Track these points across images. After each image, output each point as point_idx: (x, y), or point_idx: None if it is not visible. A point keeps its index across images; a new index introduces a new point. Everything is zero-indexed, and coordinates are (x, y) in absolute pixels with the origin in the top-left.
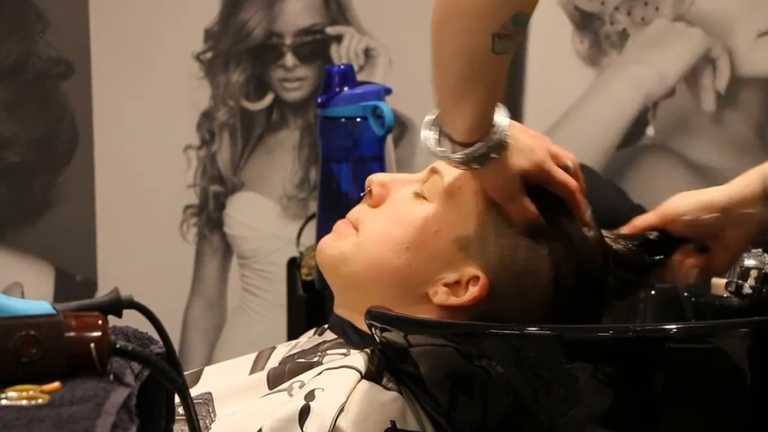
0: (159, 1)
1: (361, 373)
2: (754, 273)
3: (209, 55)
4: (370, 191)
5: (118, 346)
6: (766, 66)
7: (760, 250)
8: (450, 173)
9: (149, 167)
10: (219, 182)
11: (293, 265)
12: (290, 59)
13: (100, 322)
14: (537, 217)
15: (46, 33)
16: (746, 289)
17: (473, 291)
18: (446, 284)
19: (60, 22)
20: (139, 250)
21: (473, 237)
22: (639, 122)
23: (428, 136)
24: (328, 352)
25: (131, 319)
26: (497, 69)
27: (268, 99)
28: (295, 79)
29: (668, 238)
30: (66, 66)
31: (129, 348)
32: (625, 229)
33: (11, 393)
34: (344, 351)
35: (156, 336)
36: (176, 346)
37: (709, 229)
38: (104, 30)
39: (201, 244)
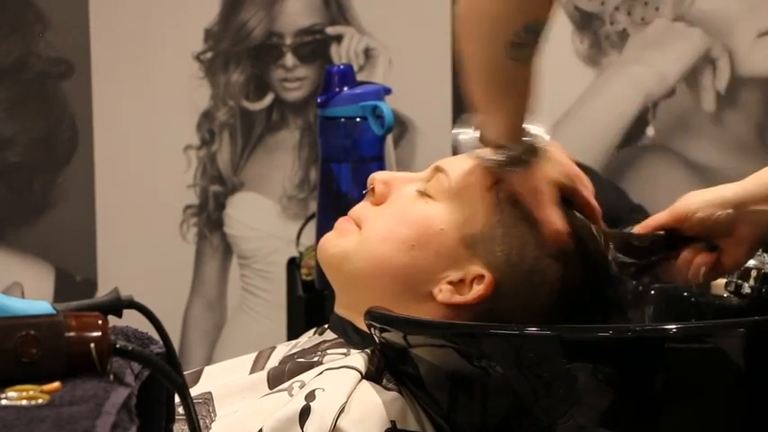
0: (159, 1)
1: (361, 373)
2: (753, 272)
3: (209, 55)
4: (373, 188)
5: (118, 346)
6: (766, 66)
7: (760, 250)
8: (456, 171)
9: (149, 167)
10: (219, 182)
11: (293, 265)
12: (290, 59)
13: (100, 322)
14: (564, 230)
15: (46, 33)
16: (746, 289)
17: (478, 289)
18: (450, 282)
19: (60, 22)
20: (139, 250)
21: (479, 235)
22: (639, 122)
23: (466, 137)
24: (328, 352)
25: (131, 319)
26: (518, 78)
27: (268, 99)
28: (295, 79)
29: (675, 238)
30: (67, 66)
31: (129, 348)
32: (638, 228)
33: (11, 393)
34: (345, 351)
35: (156, 336)
36: (176, 346)
37: (721, 227)
38: (104, 30)
39: (201, 244)
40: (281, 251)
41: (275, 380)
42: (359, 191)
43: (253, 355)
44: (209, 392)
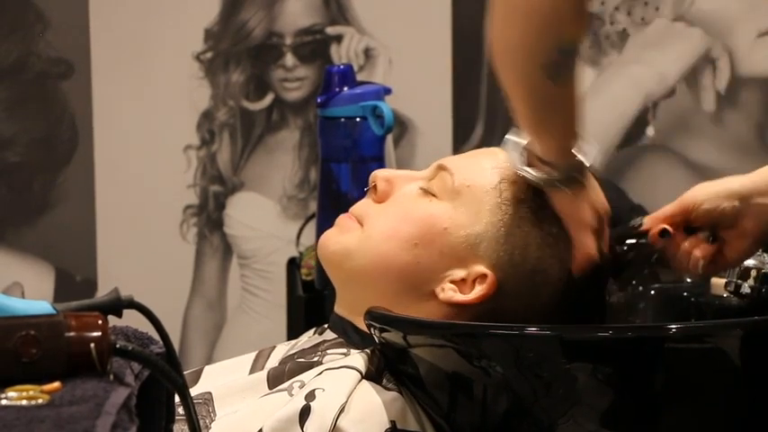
0: (159, 1)
1: (361, 373)
2: (753, 272)
3: (209, 55)
4: (375, 186)
5: (118, 346)
6: (766, 66)
7: (760, 250)
8: (460, 170)
9: (149, 167)
10: (219, 182)
11: (293, 265)
12: (290, 59)
13: (100, 322)
14: (595, 256)
15: (46, 33)
16: (746, 289)
17: (480, 289)
18: (453, 281)
19: (60, 22)
20: (139, 250)
21: (483, 235)
22: (639, 122)
23: (513, 154)
24: (328, 352)
25: (131, 319)
26: (561, 99)
27: (268, 99)
28: (295, 79)
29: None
30: (67, 66)
31: (129, 348)
32: (648, 220)
33: (11, 393)
34: (344, 351)
35: (156, 336)
36: (176, 346)
37: (726, 219)
38: (104, 30)
39: (201, 244)
40: (281, 251)
41: (275, 380)
42: (359, 191)
43: (252, 355)
44: (209, 392)
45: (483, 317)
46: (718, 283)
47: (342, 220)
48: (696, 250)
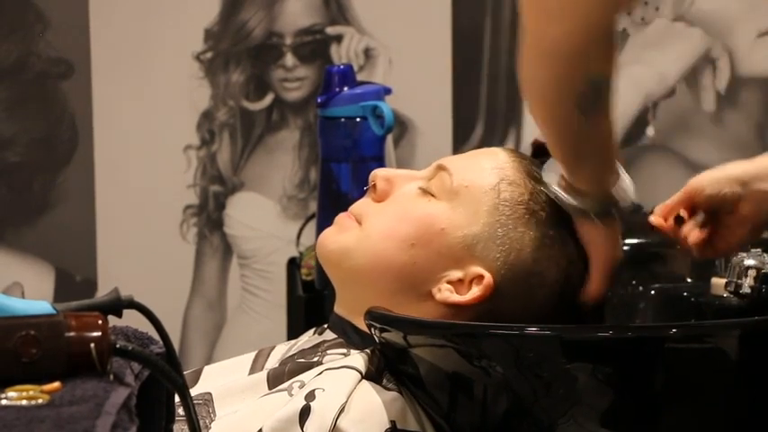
0: (159, 1)
1: (361, 373)
2: (753, 272)
3: (209, 55)
4: (374, 185)
5: (118, 346)
6: (766, 66)
7: (759, 250)
8: (459, 170)
9: (149, 167)
10: (219, 182)
11: (293, 265)
12: (290, 59)
13: (100, 322)
14: (603, 295)
15: (46, 33)
16: (745, 289)
17: (477, 290)
18: (450, 282)
19: (60, 22)
20: (139, 250)
21: (480, 235)
22: (639, 122)
23: (551, 175)
24: (328, 352)
25: (131, 319)
26: (594, 133)
27: (268, 99)
28: (295, 79)
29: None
30: (66, 66)
31: (129, 348)
32: (657, 209)
33: (11, 393)
34: (344, 351)
35: (156, 336)
36: (176, 346)
37: (727, 204)
38: (104, 30)
39: (201, 244)
40: (281, 251)
41: (275, 380)
42: (359, 191)
43: (252, 355)
44: (209, 393)
45: (480, 318)
46: (718, 283)
47: (341, 219)
48: (690, 234)
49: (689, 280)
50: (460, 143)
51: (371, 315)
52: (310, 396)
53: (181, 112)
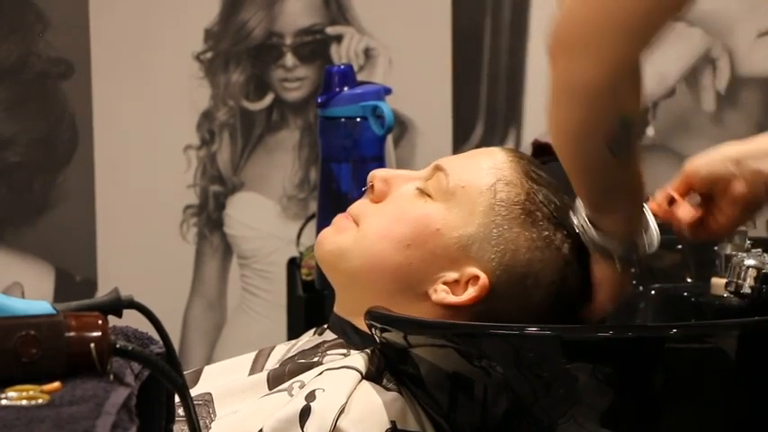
0: (159, 1)
1: (361, 373)
2: (753, 272)
3: (209, 55)
4: (372, 186)
5: (118, 346)
6: (766, 66)
7: (760, 250)
8: (455, 171)
9: (149, 167)
10: (219, 182)
11: (293, 265)
12: (290, 59)
13: (100, 322)
14: (599, 318)
15: (46, 33)
16: (746, 289)
17: (472, 290)
18: (446, 283)
19: (60, 22)
20: (139, 250)
21: (475, 236)
22: None
23: (581, 212)
24: (328, 352)
25: (131, 319)
26: (624, 174)
27: (268, 99)
28: (295, 79)
29: None
30: (66, 66)
31: (129, 348)
32: (658, 193)
33: (11, 393)
34: (344, 351)
35: (156, 336)
36: (176, 346)
37: (720, 183)
38: (104, 30)
39: (201, 244)
40: (281, 251)
41: (275, 381)
42: (359, 191)
43: (252, 355)
44: (209, 393)
45: (477, 318)
46: (718, 283)
47: (338, 219)
48: (683, 215)
49: (689, 280)
50: (460, 143)
51: (372, 315)
52: (310, 396)
53: (181, 112)
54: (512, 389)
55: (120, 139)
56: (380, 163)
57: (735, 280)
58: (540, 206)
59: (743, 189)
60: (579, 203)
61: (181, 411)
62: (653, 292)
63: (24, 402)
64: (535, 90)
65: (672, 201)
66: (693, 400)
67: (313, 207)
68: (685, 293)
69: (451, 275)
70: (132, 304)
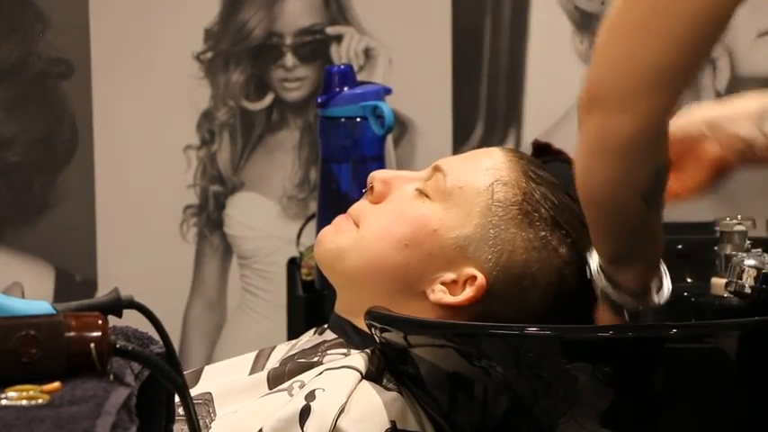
0: (159, 1)
1: (361, 373)
2: (753, 272)
3: (209, 55)
4: (372, 187)
5: (118, 346)
6: (766, 66)
7: (760, 250)
8: (453, 171)
9: (149, 167)
10: (219, 182)
11: (293, 265)
12: (290, 59)
13: (100, 322)
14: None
15: (46, 33)
16: (746, 289)
17: (470, 291)
18: (443, 283)
19: (60, 22)
20: (139, 250)
21: (472, 237)
22: None
23: (596, 270)
24: (328, 352)
25: (131, 319)
26: (653, 224)
27: (268, 99)
28: (295, 79)
29: None
30: (66, 66)
31: (129, 348)
32: None
33: (11, 393)
34: (345, 351)
35: (156, 336)
36: (176, 346)
37: (691, 144)
38: (104, 30)
39: (201, 244)
40: (281, 251)
41: (275, 380)
42: (359, 191)
43: (252, 355)
44: (209, 393)
45: (475, 319)
46: (718, 283)
47: (339, 220)
48: None
49: (689, 280)
50: (460, 143)
51: (372, 315)
52: (310, 396)
53: (181, 112)
54: (512, 389)
55: (120, 139)
56: (380, 163)
57: (735, 280)
58: (537, 206)
59: (715, 153)
60: (594, 255)
61: (181, 411)
62: None
63: (24, 402)
64: (535, 90)
65: None
66: (693, 400)
67: (313, 207)
68: (685, 293)
69: (449, 276)
70: (132, 304)
